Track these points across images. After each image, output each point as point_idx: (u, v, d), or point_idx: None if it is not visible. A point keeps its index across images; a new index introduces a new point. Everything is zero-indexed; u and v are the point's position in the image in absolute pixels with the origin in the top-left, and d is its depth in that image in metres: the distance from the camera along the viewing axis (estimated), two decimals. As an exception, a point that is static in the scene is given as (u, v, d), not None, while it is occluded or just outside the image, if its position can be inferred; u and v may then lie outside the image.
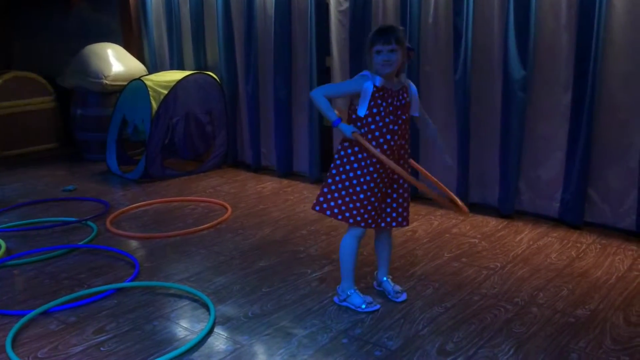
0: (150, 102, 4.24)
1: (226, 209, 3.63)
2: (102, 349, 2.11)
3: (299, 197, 3.92)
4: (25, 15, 5.89)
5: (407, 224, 2.45)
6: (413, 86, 2.35)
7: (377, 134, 2.25)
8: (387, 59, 2.20)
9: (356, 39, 3.79)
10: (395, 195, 2.38)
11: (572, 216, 3.22)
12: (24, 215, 3.64)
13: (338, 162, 2.33)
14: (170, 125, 4.49)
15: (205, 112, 4.59)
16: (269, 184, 4.25)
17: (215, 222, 3.40)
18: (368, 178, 2.27)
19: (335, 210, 2.32)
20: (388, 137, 2.26)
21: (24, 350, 2.10)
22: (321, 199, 2.36)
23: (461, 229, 3.26)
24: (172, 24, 4.88)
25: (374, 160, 2.26)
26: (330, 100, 2.31)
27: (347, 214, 2.30)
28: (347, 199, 2.30)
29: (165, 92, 4.28)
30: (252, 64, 4.39)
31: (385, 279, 2.49)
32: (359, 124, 2.27)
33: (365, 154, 2.26)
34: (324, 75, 4.09)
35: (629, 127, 3.02)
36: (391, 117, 2.26)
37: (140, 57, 5.18)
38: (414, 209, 3.61)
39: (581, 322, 2.23)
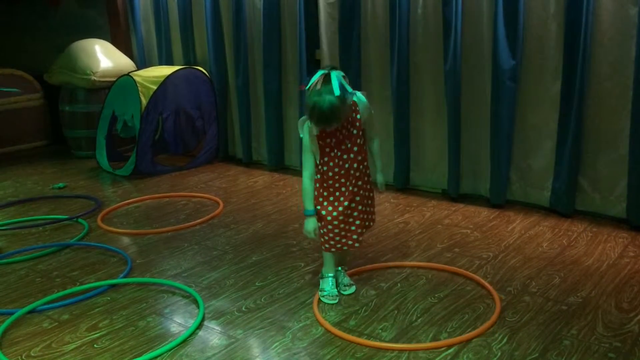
0: (140, 98, 4.21)
1: (218, 203, 3.62)
2: (95, 345, 2.10)
3: (291, 191, 3.91)
4: (11, 12, 5.83)
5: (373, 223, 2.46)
6: (362, 97, 2.23)
7: (332, 167, 2.25)
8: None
9: (346, 32, 3.78)
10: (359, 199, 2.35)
11: (563, 205, 3.24)
12: (14, 214, 3.61)
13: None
14: (160, 120, 4.47)
15: (195, 107, 4.57)
16: (261, 178, 4.25)
17: (207, 217, 3.39)
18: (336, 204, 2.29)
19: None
20: (346, 165, 2.25)
21: (17, 349, 2.09)
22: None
23: (453, 220, 3.27)
24: (160, 19, 4.85)
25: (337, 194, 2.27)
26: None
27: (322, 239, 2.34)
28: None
29: (155, 87, 4.25)
30: (241, 57, 4.37)
31: (339, 268, 2.48)
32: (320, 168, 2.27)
33: (327, 195, 2.28)
34: (314, 68, 4.06)
35: (618, 115, 3.03)
36: (342, 146, 2.24)
37: (128, 52, 5.15)
38: (407, 200, 3.62)
39: (573, 310, 2.25)
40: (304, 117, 2.22)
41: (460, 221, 3.25)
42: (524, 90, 3.28)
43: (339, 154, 2.25)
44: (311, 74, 4.09)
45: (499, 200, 3.43)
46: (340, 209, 2.27)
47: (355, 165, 2.27)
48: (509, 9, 3.15)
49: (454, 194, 3.59)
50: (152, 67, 4.73)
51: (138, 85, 4.23)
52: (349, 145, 2.25)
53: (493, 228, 3.13)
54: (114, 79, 4.55)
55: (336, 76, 2.11)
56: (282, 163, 4.45)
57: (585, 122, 3.11)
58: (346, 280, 2.45)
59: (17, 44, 5.88)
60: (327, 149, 2.25)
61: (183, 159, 4.74)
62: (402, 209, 3.46)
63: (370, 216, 2.41)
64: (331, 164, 2.26)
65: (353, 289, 2.43)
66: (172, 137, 4.76)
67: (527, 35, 3.18)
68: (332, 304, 2.33)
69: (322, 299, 2.36)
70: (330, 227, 2.29)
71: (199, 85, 4.52)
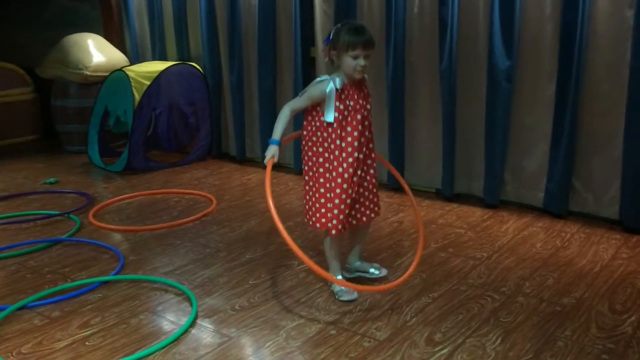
0: (133, 93, 4.18)
1: (211, 201, 3.60)
2: (87, 343, 2.08)
3: (285, 189, 3.90)
4: (2, 5, 5.76)
5: (379, 214, 2.44)
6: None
7: (348, 135, 2.22)
8: (364, 65, 2.15)
9: (341, 29, 3.76)
10: (365, 185, 2.35)
11: (556, 206, 3.25)
12: (4, 209, 3.57)
13: (305, 166, 2.33)
14: (153, 116, 4.44)
15: (189, 103, 4.54)
16: (254, 176, 4.23)
17: (200, 214, 3.37)
18: (339, 180, 2.23)
19: (313, 219, 2.33)
20: (355, 133, 2.22)
21: (8, 346, 2.07)
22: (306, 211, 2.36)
23: (447, 220, 3.27)
24: (154, 14, 4.81)
25: (345, 154, 2.22)
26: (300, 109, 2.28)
27: (323, 220, 2.29)
28: (320, 201, 2.29)
29: (148, 83, 4.22)
30: (236, 54, 4.35)
31: (359, 263, 2.51)
32: (330, 129, 2.22)
33: (335, 151, 2.22)
34: (309, 66, 4.06)
35: (612, 117, 3.04)
36: (358, 115, 2.23)
37: (121, 47, 5.11)
38: (401, 199, 3.61)
39: (567, 311, 2.25)
40: (322, 78, 2.21)
41: (454, 221, 3.25)
42: (519, 90, 3.28)
43: (351, 120, 2.22)
44: (306, 71, 4.06)
45: (493, 200, 3.44)
46: (351, 170, 2.22)
47: (367, 133, 2.27)
48: (505, 9, 3.15)
49: (448, 194, 3.59)
50: (146, 63, 4.70)
51: (131, 80, 4.19)
52: (364, 120, 2.24)
53: (487, 228, 3.13)
54: (107, 74, 4.52)
55: None
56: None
57: (579, 123, 3.11)
58: (375, 264, 2.50)
59: (9, 37, 5.82)
60: (345, 111, 2.21)
61: (176, 155, 4.71)
62: (396, 208, 3.46)
63: (376, 201, 2.40)
64: (344, 123, 2.22)
65: (385, 271, 2.47)
66: (165, 133, 4.74)
67: (523, 35, 3.19)
68: (354, 299, 2.33)
69: (341, 300, 2.33)
70: (338, 191, 2.22)
71: (192, 81, 4.49)
